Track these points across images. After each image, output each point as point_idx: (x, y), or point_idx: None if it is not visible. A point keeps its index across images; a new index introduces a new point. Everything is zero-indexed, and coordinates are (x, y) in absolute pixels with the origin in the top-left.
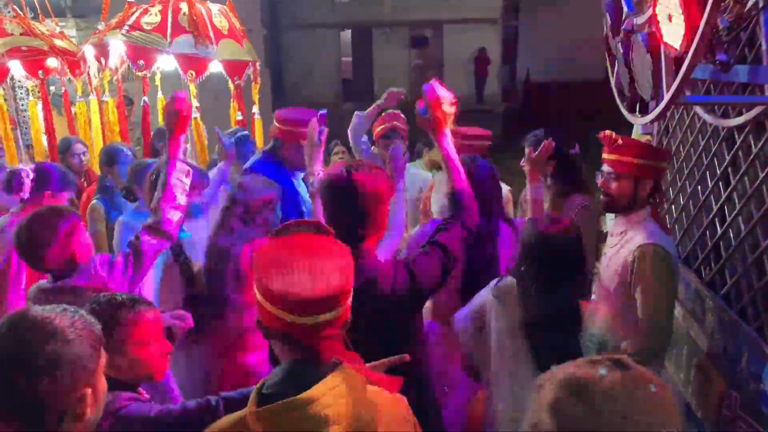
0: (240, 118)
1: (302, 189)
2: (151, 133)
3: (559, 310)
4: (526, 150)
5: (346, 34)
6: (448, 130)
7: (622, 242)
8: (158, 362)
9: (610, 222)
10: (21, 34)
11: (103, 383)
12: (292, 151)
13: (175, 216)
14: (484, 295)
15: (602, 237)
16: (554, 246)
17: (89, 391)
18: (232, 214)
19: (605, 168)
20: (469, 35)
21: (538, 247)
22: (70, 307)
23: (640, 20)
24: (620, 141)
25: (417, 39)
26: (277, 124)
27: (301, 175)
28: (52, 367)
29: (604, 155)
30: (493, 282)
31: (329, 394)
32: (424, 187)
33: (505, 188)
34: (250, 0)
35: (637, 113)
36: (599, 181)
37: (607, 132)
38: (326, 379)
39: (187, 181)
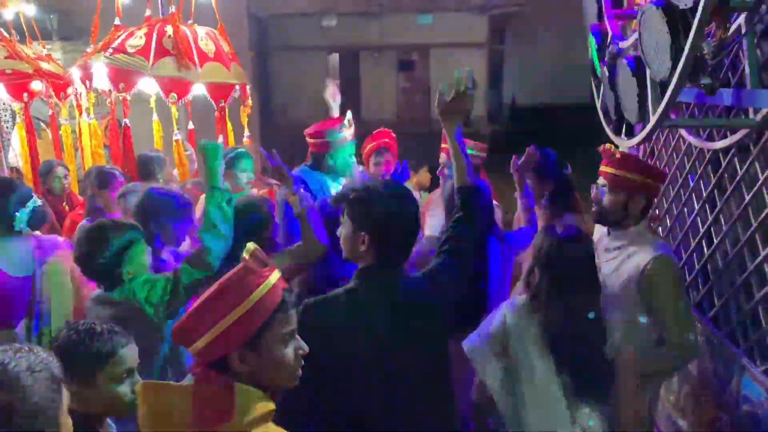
0: (221, 141)
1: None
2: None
3: (585, 322)
4: (512, 159)
5: (334, 57)
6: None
7: (622, 257)
8: (128, 398)
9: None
10: (6, 57)
11: (67, 423)
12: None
13: (217, 246)
14: (501, 316)
15: None
16: (574, 253)
17: None
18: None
19: (600, 180)
20: (455, 59)
21: (558, 256)
22: (26, 347)
23: (625, 44)
24: (618, 155)
25: (404, 62)
26: (309, 140)
27: (342, 180)
28: (7, 418)
29: (601, 168)
30: (509, 302)
31: None
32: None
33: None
34: (237, 22)
35: (623, 136)
36: (594, 192)
37: (607, 145)
38: None
39: (229, 209)
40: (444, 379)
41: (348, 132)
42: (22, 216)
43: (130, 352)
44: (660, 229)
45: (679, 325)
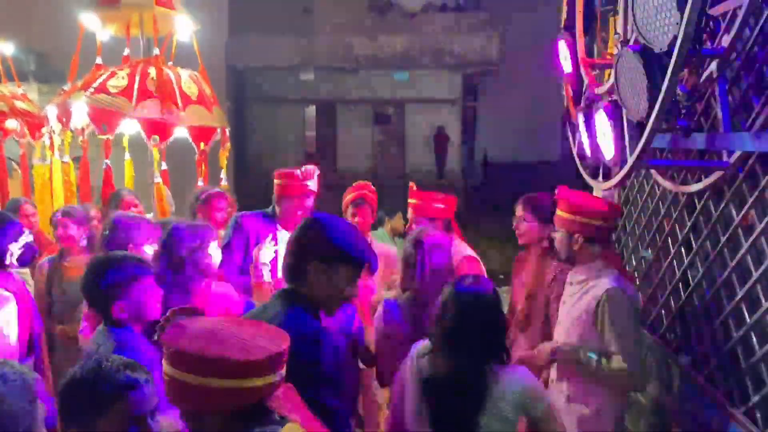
0: (201, 183)
1: None
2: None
3: (463, 372)
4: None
5: (311, 109)
6: None
7: (583, 290)
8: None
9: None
10: None
11: None
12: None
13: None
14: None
15: None
16: (464, 303)
17: None
18: (160, 262)
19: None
20: (429, 114)
21: (449, 303)
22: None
23: (601, 90)
24: (559, 197)
25: (380, 116)
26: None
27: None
28: None
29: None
30: (418, 342)
31: None
32: (389, 261)
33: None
34: (215, 71)
35: (600, 179)
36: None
37: (561, 187)
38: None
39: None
40: None
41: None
42: (13, 250)
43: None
44: (636, 274)
45: (627, 357)
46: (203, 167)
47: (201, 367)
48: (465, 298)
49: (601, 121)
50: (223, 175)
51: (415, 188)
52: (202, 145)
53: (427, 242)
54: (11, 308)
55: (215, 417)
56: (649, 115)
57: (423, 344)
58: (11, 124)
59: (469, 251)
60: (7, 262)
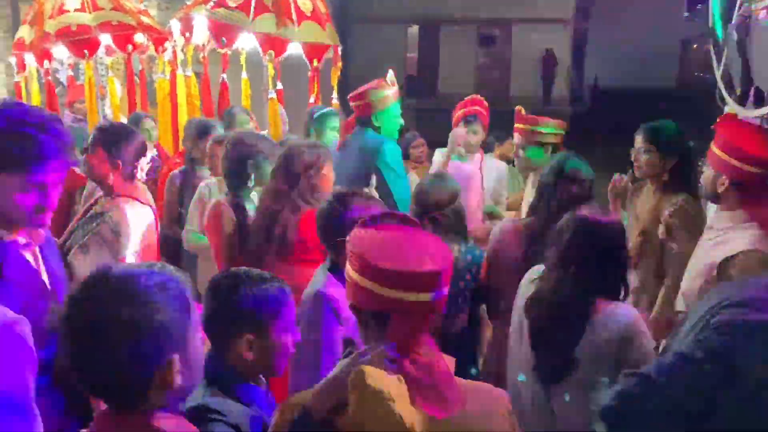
0: (312, 101)
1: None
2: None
3: (567, 297)
4: (615, 176)
5: (413, 29)
6: None
7: (720, 239)
8: (285, 356)
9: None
10: (111, 9)
11: (196, 349)
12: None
13: None
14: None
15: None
16: (582, 229)
17: (176, 357)
18: (278, 176)
19: None
20: (537, 35)
21: (567, 227)
22: (158, 264)
23: (759, 4)
24: (718, 128)
25: (485, 37)
26: (353, 104)
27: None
28: (131, 333)
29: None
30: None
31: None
32: (500, 177)
33: None
34: None
35: (748, 105)
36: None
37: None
38: None
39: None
40: None
41: (391, 91)
42: (142, 165)
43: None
44: None
45: None
46: (315, 85)
47: (367, 270)
48: (585, 224)
49: (761, 38)
50: (334, 94)
51: (523, 113)
52: (315, 62)
53: (568, 171)
54: (152, 220)
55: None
56: None
57: (536, 268)
58: (140, 38)
59: None
60: (138, 176)
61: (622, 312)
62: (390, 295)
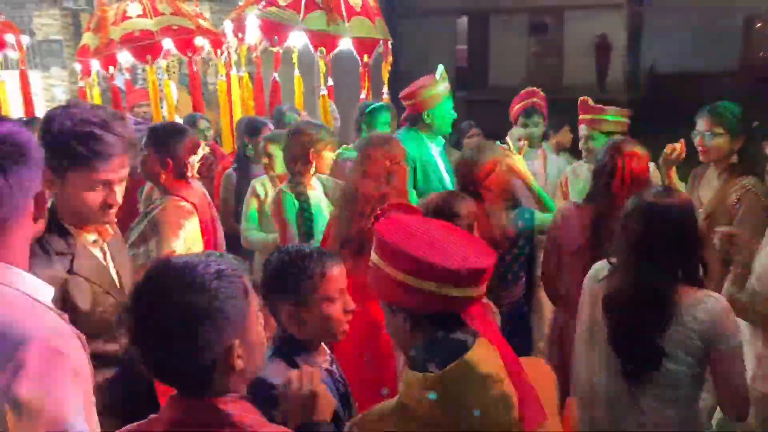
0: (363, 96)
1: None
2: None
3: (647, 288)
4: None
5: (463, 21)
6: None
7: None
8: (341, 320)
9: None
10: (171, 14)
11: (257, 334)
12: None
13: None
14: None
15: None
16: (652, 213)
17: (237, 342)
18: None
19: None
20: (591, 21)
21: (635, 213)
22: (216, 253)
23: None
24: None
25: (536, 26)
26: (405, 102)
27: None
28: (191, 320)
29: None
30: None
31: (487, 356)
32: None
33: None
34: None
35: None
36: None
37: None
38: (477, 346)
39: None
40: None
41: (442, 87)
42: (193, 162)
43: (339, 272)
44: None
45: None
46: (366, 80)
47: (402, 262)
48: (654, 208)
49: None
50: (385, 89)
51: (590, 102)
52: (365, 57)
53: (626, 150)
54: (195, 219)
55: (406, 313)
56: None
57: (599, 266)
58: (199, 41)
59: None
60: (189, 174)
61: (711, 300)
62: (442, 292)
